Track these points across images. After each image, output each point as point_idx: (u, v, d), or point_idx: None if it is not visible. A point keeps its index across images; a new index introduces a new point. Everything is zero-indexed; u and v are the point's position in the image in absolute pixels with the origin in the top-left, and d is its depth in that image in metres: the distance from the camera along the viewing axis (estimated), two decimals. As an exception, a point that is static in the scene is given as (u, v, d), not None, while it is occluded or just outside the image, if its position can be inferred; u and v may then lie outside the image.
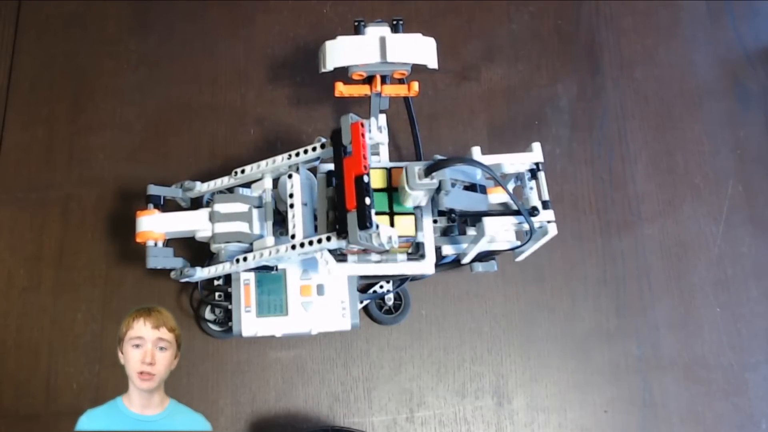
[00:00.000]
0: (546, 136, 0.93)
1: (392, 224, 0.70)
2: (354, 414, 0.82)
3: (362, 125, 0.66)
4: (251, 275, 0.77)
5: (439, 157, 0.68)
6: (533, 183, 0.73)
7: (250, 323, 0.76)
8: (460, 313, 0.86)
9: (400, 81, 0.74)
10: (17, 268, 0.86)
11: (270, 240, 0.71)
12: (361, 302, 0.81)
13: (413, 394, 0.83)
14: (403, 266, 0.73)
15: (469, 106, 0.94)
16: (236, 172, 0.75)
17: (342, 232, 0.64)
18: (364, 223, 0.62)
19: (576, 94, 0.96)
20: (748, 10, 1.01)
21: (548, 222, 0.70)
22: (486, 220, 0.69)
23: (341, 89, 0.72)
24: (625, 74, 0.97)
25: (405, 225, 0.71)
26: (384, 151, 0.79)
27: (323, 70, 0.71)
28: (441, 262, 0.79)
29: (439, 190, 0.66)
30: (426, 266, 0.72)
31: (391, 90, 0.73)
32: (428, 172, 0.66)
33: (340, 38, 0.71)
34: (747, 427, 0.84)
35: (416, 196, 0.68)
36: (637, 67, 0.98)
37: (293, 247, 0.68)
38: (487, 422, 0.83)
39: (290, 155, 0.72)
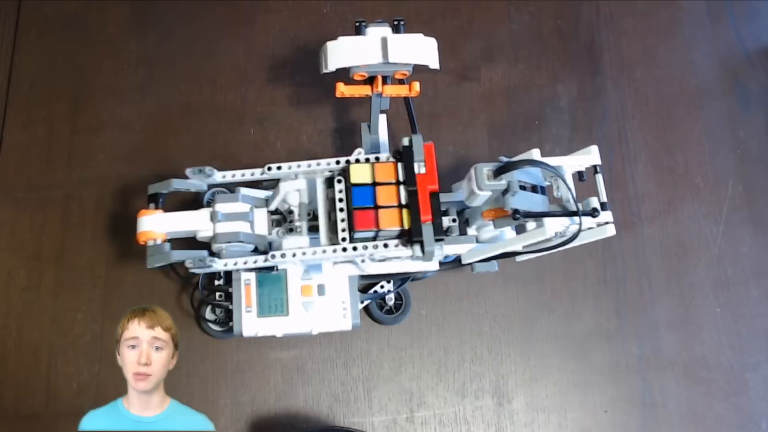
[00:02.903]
0: (546, 136, 0.93)
1: (377, 218, 0.70)
2: (354, 414, 0.82)
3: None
4: (252, 275, 0.77)
5: (504, 158, 0.69)
6: (571, 185, 0.73)
7: (251, 323, 0.76)
8: (460, 313, 0.86)
9: (401, 81, 0.74)
10: (17, 268, 0.85)
11: (304, 240, 0.72)
12: (362, 302, 0.81)
13: (413, 394, 0.83)
14: (408, 264, 0.73)
15: (469, 106, 0.94)
16: (270, 167, 0.74)
17: (412, 241, 0.68)
18: (439, 235, 0.68)
19: (576, 94, 0.96)
20: (748, 10, 1.01)
21: (606, 223, 0.70)
22: (547, 220, 0.70)
23: (342, 89, 0.72)
24: (625, 74, 0.97)
25: (390, 218, 0.71)
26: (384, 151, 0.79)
27: (325, 71, 0.71)
28: (441, 262, 0.80)
29: (505, 191, 0.68)
30: (429, 263, 0.73)
31: (392, 90, 0.73)
32: (497, 173, 0.67)
33: (341, 39, 0.71)
34: (747, 427, 0.84)
35: (483, 196, 0.69)
36: (637, 67, 0.98)
37: (344, 249, 0.70)
38: (487, 422, 0.83)
39: (329, 162, 0.73)
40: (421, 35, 0.71)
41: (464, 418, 0.83)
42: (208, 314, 0.82)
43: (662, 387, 0.85)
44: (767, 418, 0.84)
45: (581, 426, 0.83)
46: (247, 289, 0.77)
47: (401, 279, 0.82)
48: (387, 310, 0.84)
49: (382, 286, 0.83)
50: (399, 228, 0.70)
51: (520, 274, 0.87)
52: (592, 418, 0.83)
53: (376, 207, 0.70)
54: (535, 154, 0.71)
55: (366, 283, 0.83)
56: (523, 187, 0.69)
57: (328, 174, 0.74)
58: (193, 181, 0.76)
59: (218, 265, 0.72)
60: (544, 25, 0.99)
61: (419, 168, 0.70)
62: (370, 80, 0.73)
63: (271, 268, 0.75)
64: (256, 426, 0.81)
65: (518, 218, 0.68)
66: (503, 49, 0.97)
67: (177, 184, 0.75)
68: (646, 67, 0.98)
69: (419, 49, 0.71)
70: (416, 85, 0.73)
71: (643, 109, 0.96)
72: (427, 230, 0.68)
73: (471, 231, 0.77)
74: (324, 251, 0.70)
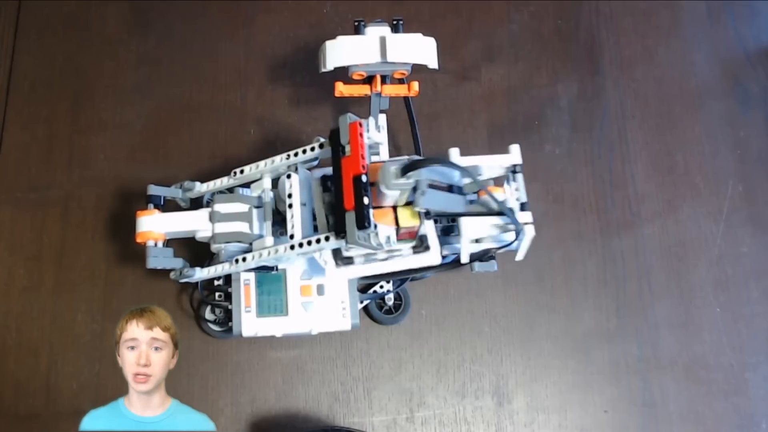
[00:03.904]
0: (546, 136, 0.93)
1: (396, 215, 0.69)
2: (354, 414, 0.82)
3: (360, 125, 0.66)
4: (251, 275, 0.77)
5: (415, 156, 0.68)
6: (515, 185, 0.73)
7: (251, 323, 0.76)
8: (460, 313, 0.86)
9: (400, 81, 0.74)
10: (17, 268, 0.86)
11: (269, 240, 0.71)
12: (362, 302, 0.81)
13: (413, 394, 0.83)
14: (410, 260, 0.72)
15: (469, 106, 0.94)
16: (235, 173, 0.75)
17: (340, 232, 0.64)
18: (363, 222, 0.63)
19: (576, 94, 0.96)
20: (748, 10, 1.01)
21: (525, 224, 0.70)
22: (463, 220, 0.69)
23: (341, 89, 0.72)
24: (625, 74, 0.97)
25: (408, 216, 0.70)
26: (384, 151, 0.79)
27: (323, 70, 0.71)
28: (441, 263, 0.79)
29: (415, 189, 0.66)
30: (432, 257, 0.72)
31: (391, 90, 0.73)
32: (404, 171, 0.65)
33: (340, 38, 0.71)
34: (747, 427, 0.84)
35: (392, 195, 0.67)
36: (637, 67, 0.98)
37: (292, 247, 0.68)
38: (487, 422, 0.83)
39: (288, 155, 0.72)
40: (419, 35, 0.71)
41: (464, 418, 0.83)
42: (208, 314, 0.82)
43: (662, 387, 0.84)
44: (767, 418, 0.84)
45: (581, 426, 0.83)
46: (246, 289, 0.77)
47: (400, 279, 0.82)
48: (386, 310, 0.84)
49: (381, 286, 0.83)
50: (395, 227, 0.69)
51: (520, 274, 0.87)
52: (592, 418, 0.83)
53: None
54: (453, 153, 0.71)
55: (365, 283, 0.83)
56: (447, 188, 0.68)
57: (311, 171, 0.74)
58: (172, 190, 0.77)
59: (197, 275, 0.73)
60: (544, 25, 0.99)
61: (346, 151, 0.66)
62: (369, 80, 0.73)
63: (270, 268, 0.75)
64: (256, 426, 0.81)
65: (430, 218, 0.67)
66: (503, 49, 0.97)
67: (153, 190, 0.76)
68: (646, 67, 0.98)
69: (418, 49, 0.71)
70: (415, 85, 0.73)
71: (643, 109, 0.96)
72: (350, 219, 0.64)
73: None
74: (276, 251, 0.69)
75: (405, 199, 0.69)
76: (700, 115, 0.96)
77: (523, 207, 0.71)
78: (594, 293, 0.87)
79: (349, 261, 0.72)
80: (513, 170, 0.73)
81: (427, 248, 0.72)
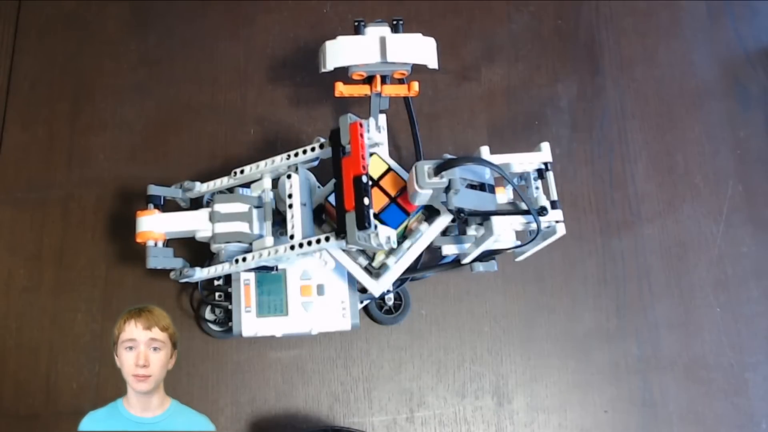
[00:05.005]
0: (546, 136, 0.93)
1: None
2: (354, 414, 0.82)
3: (361, 125, 0.66)
4: (251, 275, 0.77)
5: (448, 156, 0.68)
6: (539, 183, 0.73)
7: (250, 323, 0.76)
8: (460, 313, 0.86)
9: (400, 81, 0.74)
10: (17, 268, 0.86)
11: (269, 240, 0.71)
12: (362, 302, 0.81)
13: (413, 394, 0.83)
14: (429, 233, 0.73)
15: (469, 106, 0.94)
16: (235, 173, 0.75)
17: (341, 233, 0.64)
18: (363, 223, 0.63)
19: (576, 94, 0.96)
20: (748, 10, 1.01)
21: (556, 222, 0.70)
22: (495, 219, 0.69)
23: (341, 89, 0.72)
24: (625, 74, 0.97)
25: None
26: (384, 151, 0.79)
27: (323, 70, 0.71)
28: (441, 262, 0.80)
29: (448, 189, 0.66)
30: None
31: (391, 90, 0.73)
32: (438, 170, 0.65)
33: (340, 38, 0.71)
34: (747, 427, 0.84)
35: (425, 194, 0.68)
36: (637, 67, 0.98)
37: (292, 247, 0.68)
38: (487, 422, 0.83)
39: (289, 155, 0.72)
40: (419, 35, 0.71)
41: (464, 418, 0.83)
42: (208, 314, 0.82)
43: (662, 387, 0.84)
44: (767, 418, 0.84)
45: (581, 426, 0.83)
46: (246, 289, 0.77)
47: (400, 279, 0.82)
48: (386, 310, 0.84)
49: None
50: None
51: (520, 274, 0.87)
52: (592, 418, 0.83)
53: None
54: (483, 151, 0.71)
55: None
56: (472, 186, 0.68)
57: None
58: (172, 190, 0.77)
59: (198, 275, 0.73)
60: (544, 25, 0.99)
61: (347, 151, 0.67)
62: (369, 80, 0.73)
63: (270, 268, 0.75)
64: (256, 426, 0.81)
65: (463, 217, 0.67)
66: (503, 49, 0.97)
67: (153, 190, 0.76)
68: (646, 67, 0.98)
69: (417, 49, 0.71)
70: (415, 85, 0.73)
71: (643, 109, 0.96)
72: (350, 219, 0.64)
73: (471, 231, 0.77)
74: (276, 251, 0.69)
75: (437, 198, 0.69)
76: (700, 115, 0.96)
77: (553, 205, 0.71)
78: (594, 293, 0.87)
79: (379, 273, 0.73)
80: (544, 168, 0.73)
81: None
